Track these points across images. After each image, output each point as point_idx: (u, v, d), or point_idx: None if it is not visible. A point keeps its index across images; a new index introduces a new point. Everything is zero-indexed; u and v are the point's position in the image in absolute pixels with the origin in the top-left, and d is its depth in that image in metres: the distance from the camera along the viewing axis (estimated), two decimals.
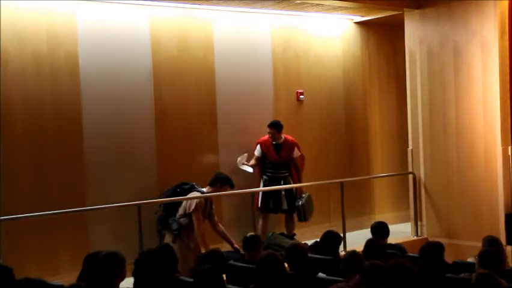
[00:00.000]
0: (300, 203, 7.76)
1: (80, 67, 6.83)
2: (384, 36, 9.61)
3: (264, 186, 7.85)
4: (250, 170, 7.78)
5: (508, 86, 7.75)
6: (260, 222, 7.78)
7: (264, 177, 7.88)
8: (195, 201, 6.60)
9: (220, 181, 6.84)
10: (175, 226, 6.57)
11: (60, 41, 6.72)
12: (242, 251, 6.38)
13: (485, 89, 7.86)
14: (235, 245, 6.71)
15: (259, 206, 7.76)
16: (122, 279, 4.00)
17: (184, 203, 6.67)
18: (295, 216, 7.92)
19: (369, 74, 9.52)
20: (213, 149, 7.87)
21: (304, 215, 7.78)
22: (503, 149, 7.71)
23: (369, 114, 9.52)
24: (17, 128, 6.47)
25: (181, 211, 6.65)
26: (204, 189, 6.81)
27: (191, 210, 6.57)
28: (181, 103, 7.61)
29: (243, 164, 7.77)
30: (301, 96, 8.71)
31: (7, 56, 6.36)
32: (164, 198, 6.77)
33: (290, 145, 7.92)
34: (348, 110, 9.28)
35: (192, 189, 6.77)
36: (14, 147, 6.41)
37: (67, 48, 6.76)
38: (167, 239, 6.53)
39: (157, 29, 7.40)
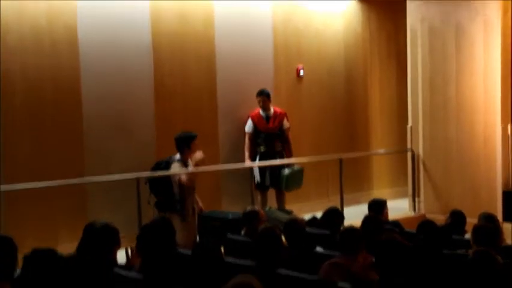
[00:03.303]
0: (284, 173, 7.72)
1: (79, 39, 6.79)
2: (385, 12, 9.54)
3: (259, 161, 7.79)
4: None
5: (509, 65, 7.73)
6: (258, 197, 7.80)
7: (258, 152, 7.83)
8: (178, 170, 6.43)
9: (183, 143, 6.47)
10: (179, 206, 6.49)
11: (60, 13, 6.67)
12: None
13: (486, 67, 7.84)
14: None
15: (257, 182, 7.74)
16: (118, 247, 4.09)
17: (172, 180, 6.47)
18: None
19: (370, 51, 9.48)
20: (212, 123, 7.86)
21: (286, 184, 7.71)
22: (502, 127, 7.72)
23: (369, 90, 9.50)
24: (16, 100, 6.45)
25: (176, 189, 6.56)
26: (178, 156, 6.53)
27: (180, 178, 6.41)
28: (181, 76, 7.58)
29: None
30: (301, 71, 8.68)
31: (6, 27, 6.32)
32: (150, 185, 6.49)
33: (280, 115, 7.92)
34: (348, 86, 9.26)
35: (169, 164, 6.52)
36: (13, 118, 6.40)
37: (66, 21, 6.71)
38: (176, 220, 6.21)
39: (157, 2, 7.34)
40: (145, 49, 7.27)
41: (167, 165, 6.53)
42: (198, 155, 6.46)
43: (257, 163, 7.77)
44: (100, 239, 3.99)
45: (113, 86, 7.05)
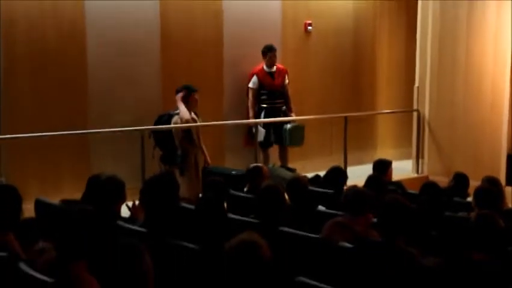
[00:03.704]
0: (287, 127, 7.73)
1: None
2: None
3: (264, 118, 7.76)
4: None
5: None
6: (261, 156, 7.77)
7: (262, 109, 7.78)
8: (177, 123, 6.47)
9: (181, 89, 6.55)
10: (179, 159, 6.52)
11: None
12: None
13: (497, 30, 7.73)
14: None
15: (261, 140, 7.70)
16: (123, 202, 4.10)
17: (174, 133, 6.52)
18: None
19: (380, 9, 9.33)
20: (218, 76, 7.80)
21: (289, 139, 7.72)
22: (510, 91, 7.66)
23: (377, 49, 9.39)
24: (18, 48, 6.37)
25: (177, 142, 6.56)
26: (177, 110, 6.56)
27: (180, 124, 6.45)
28: (188, 29, 7.49)
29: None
30: (309, 28, 8.57)
31: None
32: (154, 138, 6.55)
33: (282, 71, 7.89)
34: (356, 44, 9.15)
35: (170, 117, 6.55)
36: (14, 68, 6.34)
37: None
38: (176, 174, 6.28)
39: None
40: (151, 0, 7.15)
41: (169, 118, 6.54)
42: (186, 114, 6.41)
43: (262, 119, 7.72)
44: (105, 191, 3.98)
45: (118, 36, 6.96)
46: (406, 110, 9.04)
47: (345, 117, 7.91)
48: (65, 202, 3.67)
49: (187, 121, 6.49)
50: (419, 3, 8.45)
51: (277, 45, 8.04)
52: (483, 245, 3.55)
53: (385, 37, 9.48)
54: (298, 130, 7.83)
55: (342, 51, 9.01)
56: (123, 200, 4.06)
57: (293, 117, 7.84)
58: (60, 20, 6.58)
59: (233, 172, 6.55)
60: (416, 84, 8.55)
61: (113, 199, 3.98)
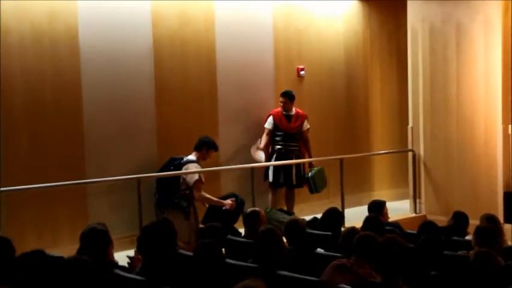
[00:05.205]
0: (309, 175, 7.83)
1: (80, 39, 6.76)
2: (386, 12, 9.53)
3: (276, 160, 7.85)
4: (263, 157, 7.76)
5: (510, 64, 7.72)
6: (270, 196, 7.87)
7: (275, 150, 7.88)
8: (195, 174, 6.58)
9: (206, 145, 6.81)
10: (184, 203, 6.53)
11: (60, 13, 6.65)
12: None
13: (487, 67, 7.83)
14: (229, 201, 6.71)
15: (270, 181, 7.83)
16: (112, 247, 4.09)
17: (182, 178, 6.62)
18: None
19: (371, 51, 9.46)
20: (213, 124, 7.85)
21: (314, 187, 7.84)
22: (503, 127, 7.72)
23: (370, 91, 9.48)
24: (17, 100, 6.42)
25: (183, 186, 6.61)
26: (192, 157, 6.72)
27: (193, 180, 6.57)
28: (182, 78, 7.56)
29: (257, 149, 7.77)
30: (302, 72, 8.67)
31: (7, 27, 6.28)
32: (157, 180, 6.65)
33: (301, 117, 8.00)
34: (349, 86, 9.25)
35: (185, 163, 6.66)
36: (13, 119, 6.37)
37: (66, 21, 6.69)
38: (178, 218, 6.29)
39: (158, 2, 7.33)
40: (146, 50, 7.25)
41: (180, 166, 6.60)
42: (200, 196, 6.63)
43: (270, 162, 7.80)
44: (90, 242, 4.00)
45: (113, 87, 7.02)
46: (401, 150, 9.08)
47: (341, 159, 7.94)
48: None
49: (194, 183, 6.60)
50: (409, 44, 8.58)
51: (271, 90, 8.15)
52: (482, 284, 3.53)
53: (377, 79, 9.59)
54: (321, 174, 7.91)
55: (335, 94, 9.10)
56: (110, 244, 4.06)
57: (292, 161, 7.83)
58: (57, 73, 6.65)
59: None
60: (410, 124, 8.61)
61: (100, 246, 3.98)
